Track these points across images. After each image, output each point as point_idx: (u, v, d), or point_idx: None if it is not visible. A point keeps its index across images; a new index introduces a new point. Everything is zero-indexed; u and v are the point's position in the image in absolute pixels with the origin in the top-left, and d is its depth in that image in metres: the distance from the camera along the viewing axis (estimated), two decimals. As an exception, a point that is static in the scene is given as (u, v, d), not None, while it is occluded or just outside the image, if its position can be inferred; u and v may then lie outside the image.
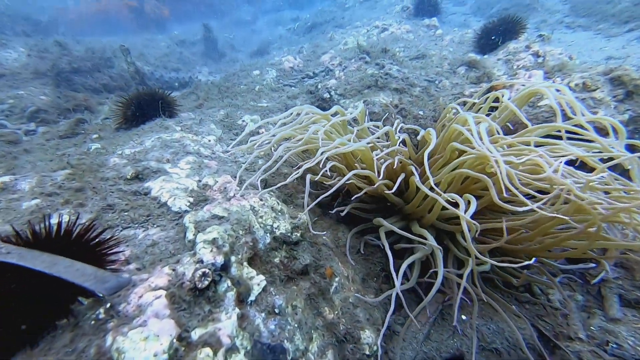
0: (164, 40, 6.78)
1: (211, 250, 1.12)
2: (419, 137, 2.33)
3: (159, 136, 1.93)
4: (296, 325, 1.23)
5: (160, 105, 2.32)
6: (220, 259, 1.12)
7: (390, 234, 1.72)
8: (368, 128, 2.34)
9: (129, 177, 1.49)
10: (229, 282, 1.11)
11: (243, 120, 2.71)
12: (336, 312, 1.53)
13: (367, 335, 1.43)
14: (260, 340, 1.08)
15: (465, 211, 1.32)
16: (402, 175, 1.75)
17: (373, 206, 2.03)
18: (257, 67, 4.09)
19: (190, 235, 1.21)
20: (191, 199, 1.49)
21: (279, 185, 1.56)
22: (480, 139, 1.39)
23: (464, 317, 1.65)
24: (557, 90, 1.63)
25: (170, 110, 2.50)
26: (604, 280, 1.84)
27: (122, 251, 1.11)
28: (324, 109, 1.87)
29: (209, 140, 2.17)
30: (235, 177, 1.74)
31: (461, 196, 1.72)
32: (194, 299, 1.01)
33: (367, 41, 5.27)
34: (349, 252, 1.70)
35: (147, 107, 2.33)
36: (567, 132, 1.56)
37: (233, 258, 1.19)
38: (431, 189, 1.46)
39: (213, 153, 2.06)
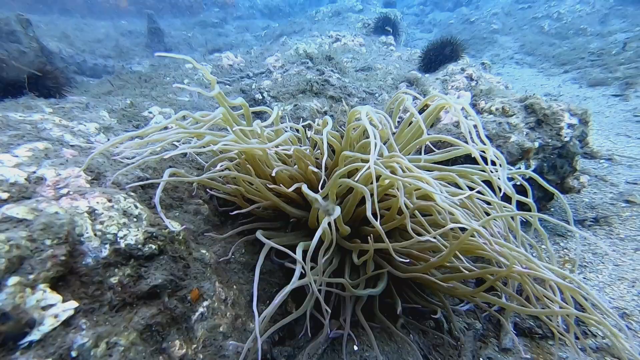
0: (106, 27, 6.20)
1: (-34, 266, 0.79)
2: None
3: (4, 115, 1.54)
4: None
5: (39, 83, 1.92)
6: (-21, 280, 0.79)
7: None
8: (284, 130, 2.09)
9: None
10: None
11: (150, 112, 2.37)
12: (194, 345, 1.23)
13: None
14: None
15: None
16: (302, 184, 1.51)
17: (276, 224, 1.77)
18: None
19: (-49, 245, 0.87)
20: (5, 195, 1.13)
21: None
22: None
23: (355, 347, 1.41)
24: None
25: (57, 91, 2.10)
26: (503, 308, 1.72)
27: None
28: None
29: (88, 128, 1.81)
30: (92, 171, 1.40)
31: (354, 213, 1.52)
32: None
33: (318, 49, 5.12)
34: (229, 268, 1.41)
35: (18, 84, 1.91)
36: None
37: (12, 279, 0.85)
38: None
39: (88, 142, 1.71)
